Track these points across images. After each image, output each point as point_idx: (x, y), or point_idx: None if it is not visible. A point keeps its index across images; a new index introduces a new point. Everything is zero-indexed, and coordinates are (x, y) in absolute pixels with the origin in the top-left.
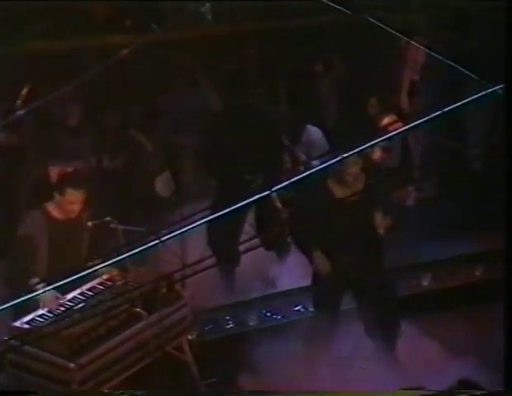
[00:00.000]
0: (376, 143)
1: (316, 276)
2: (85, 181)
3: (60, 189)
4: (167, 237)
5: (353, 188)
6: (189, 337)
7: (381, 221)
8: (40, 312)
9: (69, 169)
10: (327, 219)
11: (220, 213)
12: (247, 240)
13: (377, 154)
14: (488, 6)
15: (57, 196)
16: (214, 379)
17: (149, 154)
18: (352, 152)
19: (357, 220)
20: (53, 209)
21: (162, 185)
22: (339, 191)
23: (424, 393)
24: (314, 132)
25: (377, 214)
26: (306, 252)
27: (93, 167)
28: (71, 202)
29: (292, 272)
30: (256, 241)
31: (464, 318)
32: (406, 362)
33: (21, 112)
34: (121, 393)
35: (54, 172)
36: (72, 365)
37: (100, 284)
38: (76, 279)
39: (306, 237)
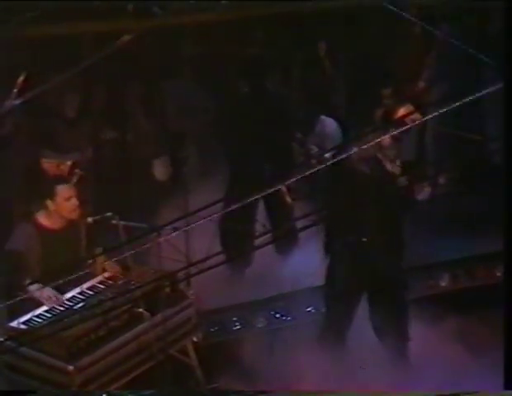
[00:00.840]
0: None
1: (330, 275)
2: (69, 174)
3: (50, 192)
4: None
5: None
6: (194, 339)
7: None
8: (38, 312)
9: (68, 162)
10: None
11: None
12: (256, 237)
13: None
14: (488, 6)
15: (49, 202)
16: (219, 384)
17: (148, 136)
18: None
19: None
20: (46, 218)
21: (160, 168)
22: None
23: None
24: (328, 124)
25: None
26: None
27: (91, 158)
28: (67, 198)
29: (303, 271)
30: (265, 238)
31: (484, 320)
32: (422, 365)
33: (16, 102)
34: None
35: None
36: (71, 368)
37: (100, 282)
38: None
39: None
